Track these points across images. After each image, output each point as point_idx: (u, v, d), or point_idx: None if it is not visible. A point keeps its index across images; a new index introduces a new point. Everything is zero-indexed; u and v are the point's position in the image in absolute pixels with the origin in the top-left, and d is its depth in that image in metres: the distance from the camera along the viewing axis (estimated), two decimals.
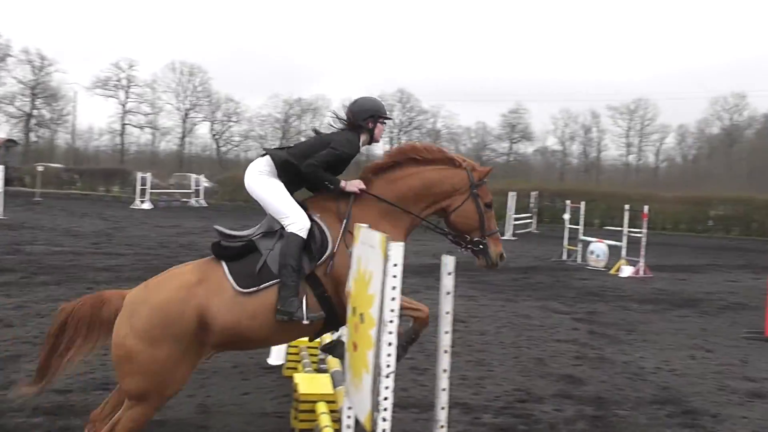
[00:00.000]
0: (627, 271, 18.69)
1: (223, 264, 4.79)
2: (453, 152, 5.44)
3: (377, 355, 3.10)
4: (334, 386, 5.09)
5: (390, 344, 3.06)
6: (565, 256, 22.32)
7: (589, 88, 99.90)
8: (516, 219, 31.29)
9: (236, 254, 4.82)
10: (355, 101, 5.38)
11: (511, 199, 31.24)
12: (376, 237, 3.20)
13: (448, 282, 3.41)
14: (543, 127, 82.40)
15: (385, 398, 3.09)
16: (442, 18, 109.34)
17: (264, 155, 5.16)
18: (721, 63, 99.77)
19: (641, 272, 18.55)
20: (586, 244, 21.20)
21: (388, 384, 3.09)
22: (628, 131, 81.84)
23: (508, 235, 29.74)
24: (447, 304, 3.44)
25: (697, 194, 43.53)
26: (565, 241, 22.68)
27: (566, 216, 23.31)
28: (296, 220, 4.87)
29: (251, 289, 4.68)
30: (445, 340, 3.47)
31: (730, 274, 20.65)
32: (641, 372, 8.91)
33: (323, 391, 5.64)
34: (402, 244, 3.08)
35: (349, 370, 3.76)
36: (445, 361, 3.49)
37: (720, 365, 9.55)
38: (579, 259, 21.37)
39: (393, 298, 3.04)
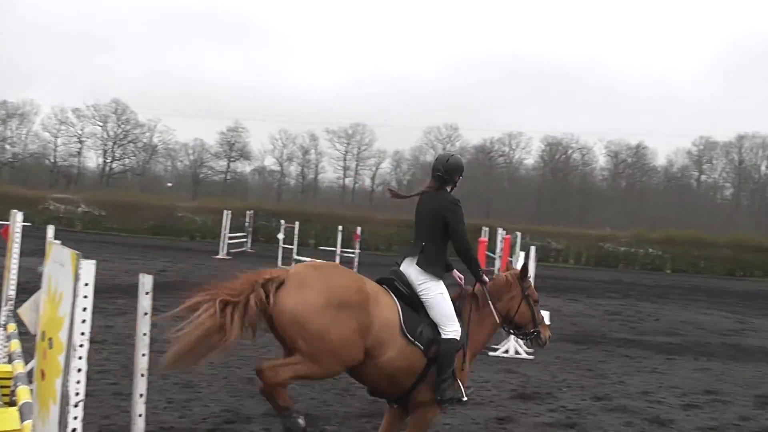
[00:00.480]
0: None
1: (392, 295, 5.75)
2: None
3: (65, 383, 2.90)
4: (22, 420, 4.70)
5: (79, 370, 2.88)
6: None
7: (309, 111, 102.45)
8: (231, 238, 31.20)
9: (404, 298, 5.78)
10: (448, 160, 6.24)
11: (227, 217, 31.11)
12: (67, 254, 3.01)
13: (145, 302, 3.30)
14: (261, 147, 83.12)
15: (74, 429, 2.90)
16: (156, 29, 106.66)
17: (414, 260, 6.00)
18: (436, 94, 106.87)
19: None
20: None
21: (76, 414, 2.90)
22: (345, 155, 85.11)
23: (222, 254, 29.67)
24: (144, 326, 3.33)
25: (409, 218, 46.11)
26: (279, 261, 22.97)
27: (280, 236, 23.61)
28: (456, 330, 5.81)
29: (410, 338, 5.57)
30: (142, 362, 3.35)
31: None
32: (349, 387, 9.13)
33: (10, 426, 5.18)
34: (93, 262, 2.92)
35: (36, 401, 3.50)
36: (141, 386, 3.36)
37: None
38: None
39: (84, 321, 2.87)
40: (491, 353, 12.25)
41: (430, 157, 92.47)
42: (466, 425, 7.90)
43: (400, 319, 5.57)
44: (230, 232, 31.08)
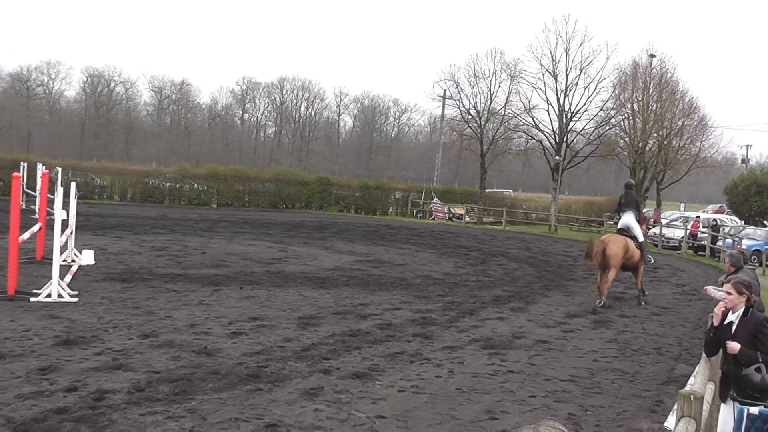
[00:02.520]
0: None
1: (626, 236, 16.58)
2: None
3: None
4: None
5: None
6: None
7: None
8: None
9: (628, 235, 16.62)
10: (629, 183, 18.41)
11: None
12: None
13: None
14: None
15: None
16: None
17: (626, 215, 16.92)
18: None
19: None
20: None
21: None
22: None
23: None
24: None
25: None
26: None
27: None
28: (642, 237, 17.05)
29: (636, 246, 16.39)
30: None
31: None
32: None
33: None
34: None
35: None
36: None
37: None
38: None
39: None
40: (32, 299, 11.42)
41: None
42: (5, 380, 7.26)
43: (632, 242, 16.06)
44: None
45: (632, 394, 8.68)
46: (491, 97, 50.08)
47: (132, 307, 11.57)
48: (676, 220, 41.79)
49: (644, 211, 48.27)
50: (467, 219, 47.95)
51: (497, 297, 15.48)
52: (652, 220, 43.83)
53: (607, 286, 15.80)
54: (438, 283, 16.98)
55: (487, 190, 53.85)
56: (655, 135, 46.18)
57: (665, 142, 45.71)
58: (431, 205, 49.02)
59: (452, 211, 48.68)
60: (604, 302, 15.30)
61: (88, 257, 16.24)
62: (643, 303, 16.24)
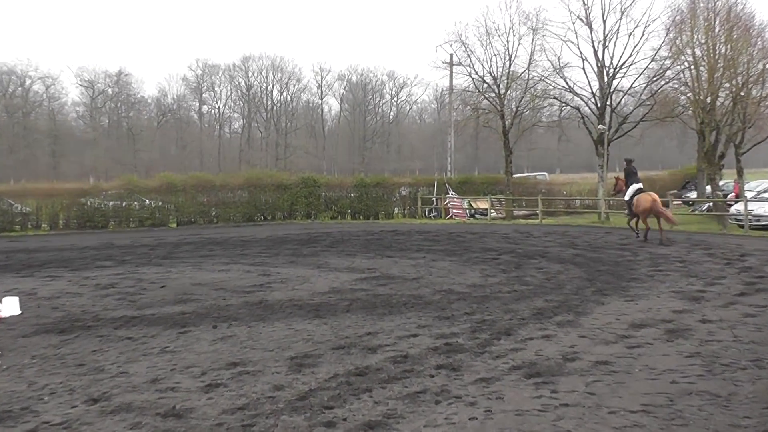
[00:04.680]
0: None
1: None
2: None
3: None
4: None
5: None
6: None
7: None
8: None
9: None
10: (631, 161, 33.45)
11: None
12: None
13: None
14: None
15: None
16: None
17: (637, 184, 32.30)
18: None
19: None
20: None
21: None
22: None
23: None
24: None
25: None
26: None
27: None
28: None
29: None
30: None
31: None
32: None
33: None
34: None
35: None
36: None
37: None
38: None
39: None
40: None
41: None
42: None
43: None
44: None
45: (728, 423, 8.43)
46: (510, 59, 50.10)
47: (74, 365, 11.41)
48: (766, 191, 41.44)
49: (722, 183, 48.32)
50: (493, 214, 47.94)
51: (539, 310, 15.32)
52: (733, 194, 43.54)
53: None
54: (463, 299, 16.83)
55: (515, 176, 53.89)
56: (728, 85, 45.54)
57: (741, 94, 45.14)
58: (446, 201, 48.96)
59: (473, 206, 48.64)
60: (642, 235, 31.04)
61: (11, 306, 16.10)
62: (639, 237, 31.25)
